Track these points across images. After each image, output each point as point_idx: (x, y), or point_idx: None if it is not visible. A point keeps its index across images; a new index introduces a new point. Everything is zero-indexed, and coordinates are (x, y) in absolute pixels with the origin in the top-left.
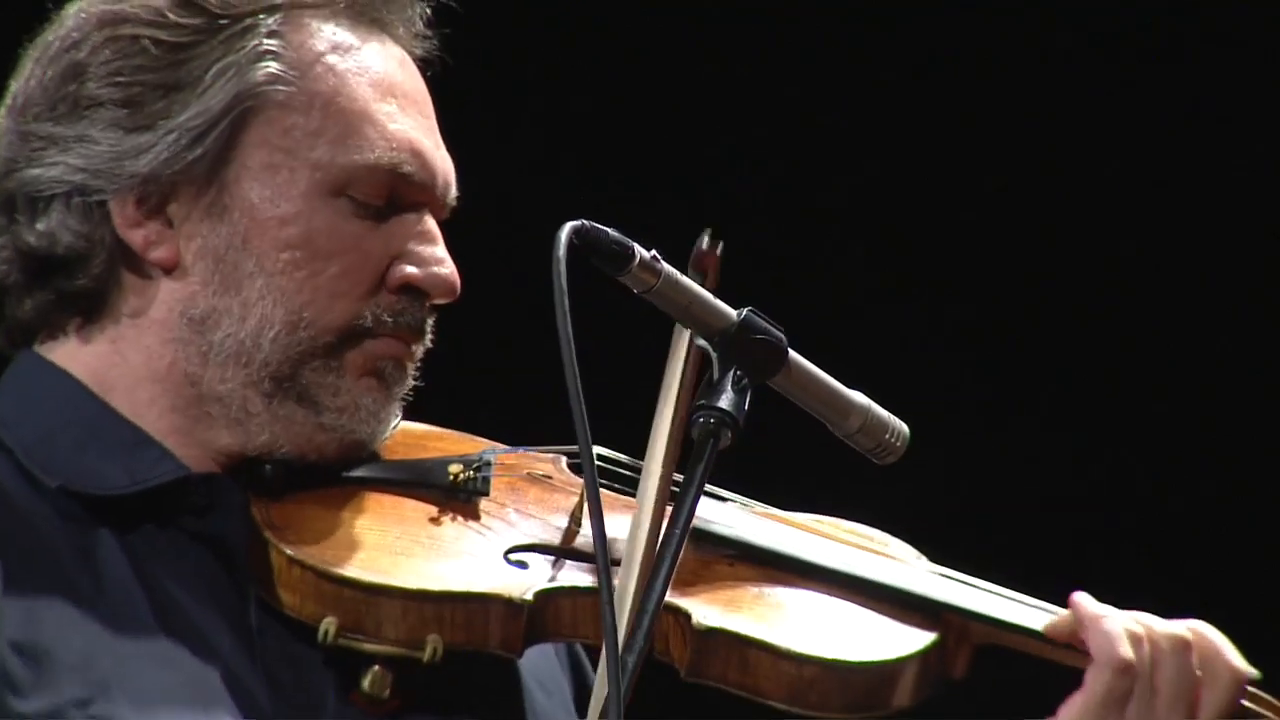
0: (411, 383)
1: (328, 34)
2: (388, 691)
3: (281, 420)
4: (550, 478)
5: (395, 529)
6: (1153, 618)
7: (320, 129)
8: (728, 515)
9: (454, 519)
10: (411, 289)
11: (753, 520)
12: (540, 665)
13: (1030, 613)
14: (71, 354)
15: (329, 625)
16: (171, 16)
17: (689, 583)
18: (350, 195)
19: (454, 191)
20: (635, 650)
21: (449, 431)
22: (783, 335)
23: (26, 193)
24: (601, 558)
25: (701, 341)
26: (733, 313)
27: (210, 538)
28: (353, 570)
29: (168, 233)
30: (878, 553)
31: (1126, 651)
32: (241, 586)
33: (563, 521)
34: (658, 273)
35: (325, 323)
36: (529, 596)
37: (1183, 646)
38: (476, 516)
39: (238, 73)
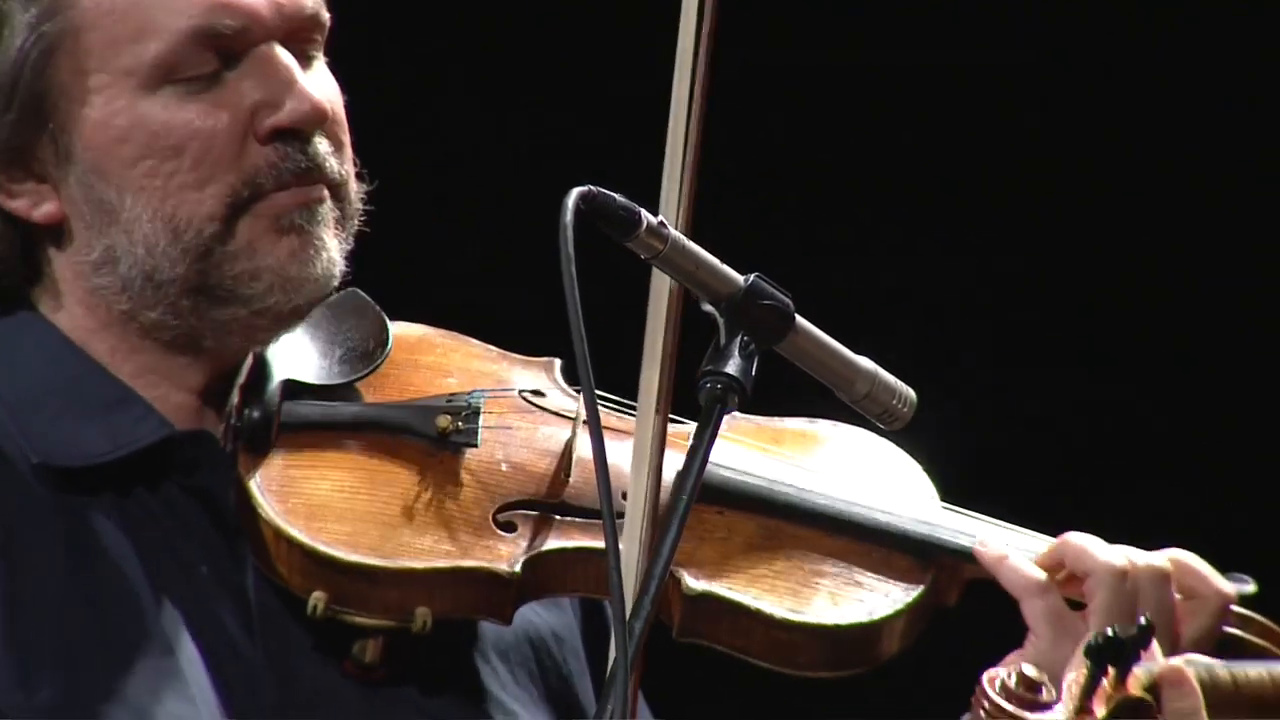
0: (351, 209)
1: None
2: (379, 659)
3: (219, 325)
4: (543, 395)
5: (382, 491)
6: (1132, 549)
7: (116, 35)
8: (716, 453)
9: (442, 475)
10: (283, 132)
11: (740, 453)
12: (546, 617)
13: (1021, 545)
14: (51, 312)
15: (318, 600)
16: None
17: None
18: (174, 80)
19: (301, 4)
20: (642, 616)
21: (446, 339)
22: (790, 300)
23: None
24: (610, 534)
25: (708, 306)
26: (740, 278)
27: (200, 493)
28: (339, 549)
29: (43, 188)
30: (871, 477)
31: (1120, 561)
32: (235, 546)
33: (553, 465)
34: (665, 238)
35: (202, 214)
36: (516, 569)
37: (1162, 578)
38: (465, 471)
39: (19, 26)
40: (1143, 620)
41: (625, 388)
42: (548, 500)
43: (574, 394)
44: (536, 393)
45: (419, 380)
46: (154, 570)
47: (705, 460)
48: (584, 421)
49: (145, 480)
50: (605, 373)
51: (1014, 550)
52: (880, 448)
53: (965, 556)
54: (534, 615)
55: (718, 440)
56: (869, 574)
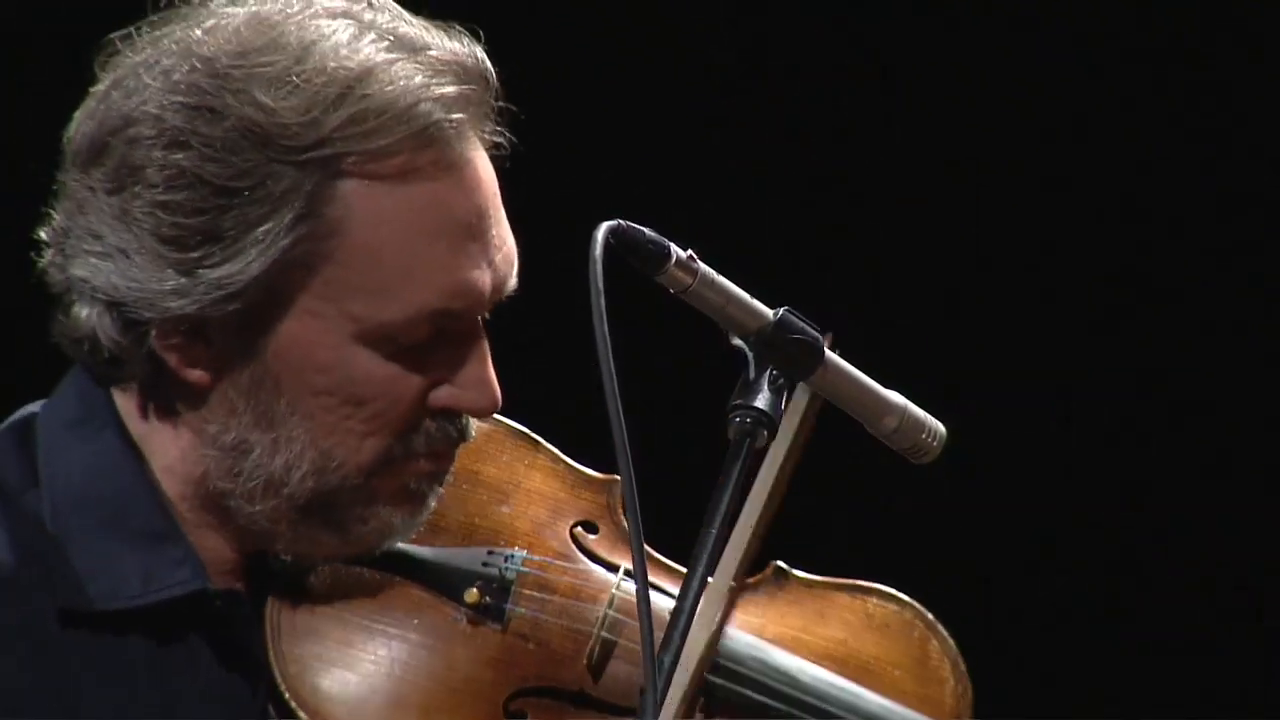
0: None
1: (375, 179)
2: None
3: (307, 540)
4: (596, 531)
5: (399, 662)
6: None
7: (361, 284)
8: (745, 648)
9: (462, 648)
10: (451, 411)
11: (764, 656)
12: None
13: None
14: (128, 413)
15: None
16: (224, 153)
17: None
18: (392, 342)
19: (510, 284)
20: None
21: (512, 443)
22: (819, 335)
23: (73, 286)
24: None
25: (737, 340)
26: (769, 312)
27: (226, 646)
28: None
29: (205, 356)
30: (904, 685)
31: None
32: (254, 689)
33: (583, 646)
34: (694, 272)
35: (354, 463)
36: None
37: None
38: (487, 647)
39: (279, 233)
40: None
41: (651, 407)
42: (567, 688)
43: (624, 534)
44: (589, 526)
45: (472, 508)
46: (163, 713)
47: (734, 496)
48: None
49: (173, 625)
50: (635, 396)
51: None
52: (926, 639)
53: None
54: None
55: (756, 621)
56: None
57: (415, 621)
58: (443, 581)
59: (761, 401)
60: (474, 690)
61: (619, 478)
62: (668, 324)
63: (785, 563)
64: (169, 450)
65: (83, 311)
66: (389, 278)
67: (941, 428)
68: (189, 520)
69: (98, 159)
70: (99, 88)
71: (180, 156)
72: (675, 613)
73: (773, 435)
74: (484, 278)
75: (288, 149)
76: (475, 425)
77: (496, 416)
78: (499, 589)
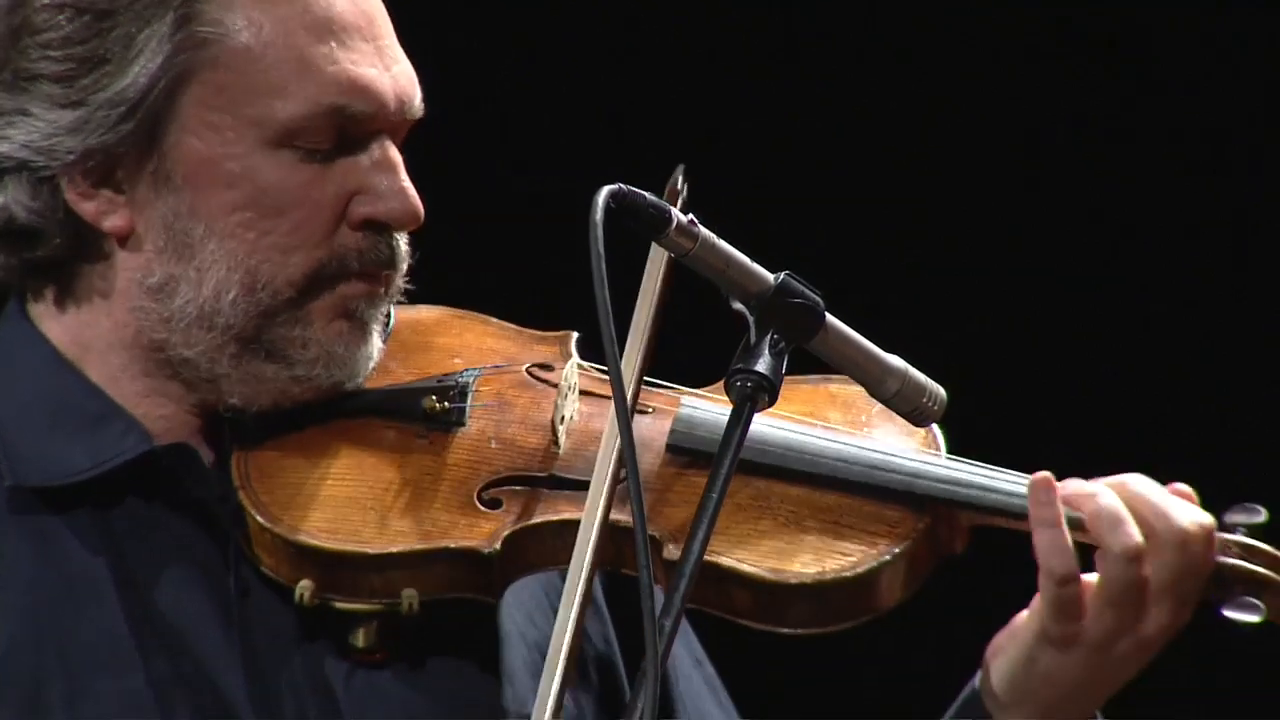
0: (391, 305)
1: None
2: (376, 643)
3: (252, 378)
4: (550, 368)
5: (368, 476)
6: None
7: (253, 84)
8: (701, 411)
9: (428, 456)
10: (374, 224)
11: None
12: (554, 583)
13: (1021, 493)
14: (49, 318)
15: (304, 589)
16: None
17: (663, 500)
18: (294, 146)
19: (415, 104)
20: (673, 614)
21: (462, 319)
22: (820, 299)
23: None
24: (641, 532)
25: (738, 304)
26: (770, 276)
27: (189, 504)
28: (321, 538)
29: (119, 200)
30: (860, 425)
31: (1136, 535)
32: (224, 549)
33: (545, 438)
34: (695, 237)
35: (283, 278)
36: (497, 546)
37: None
38: (452, 451)
39: (159, 42)
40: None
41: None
42: (537, 474)
43: (585, 366)
44: (544, 366)
45: (425, 362)
46: (132, 592)
47: (736, 458)
48: (578, 391)
49: (132, 496)
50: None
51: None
52: (844, 388)
53: (961, 505)
54: (545, 586)
55: (717, 403)
56: (858, 528)
57: (380, 442)
58: (398, 405)
59: (763, 365)
60: (447, 489)
61: (574, 332)
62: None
63: None
64: (100, 324)
65: None
66: (279, 75)
67: (942, 391)
68: (132, 392)
69: None
70: None
71: None
72: (675, 578)
73: (773, 399)
74: (382, 78)
75: None
76: (404, 242)
77: (443, 305)
78: (457, 394)
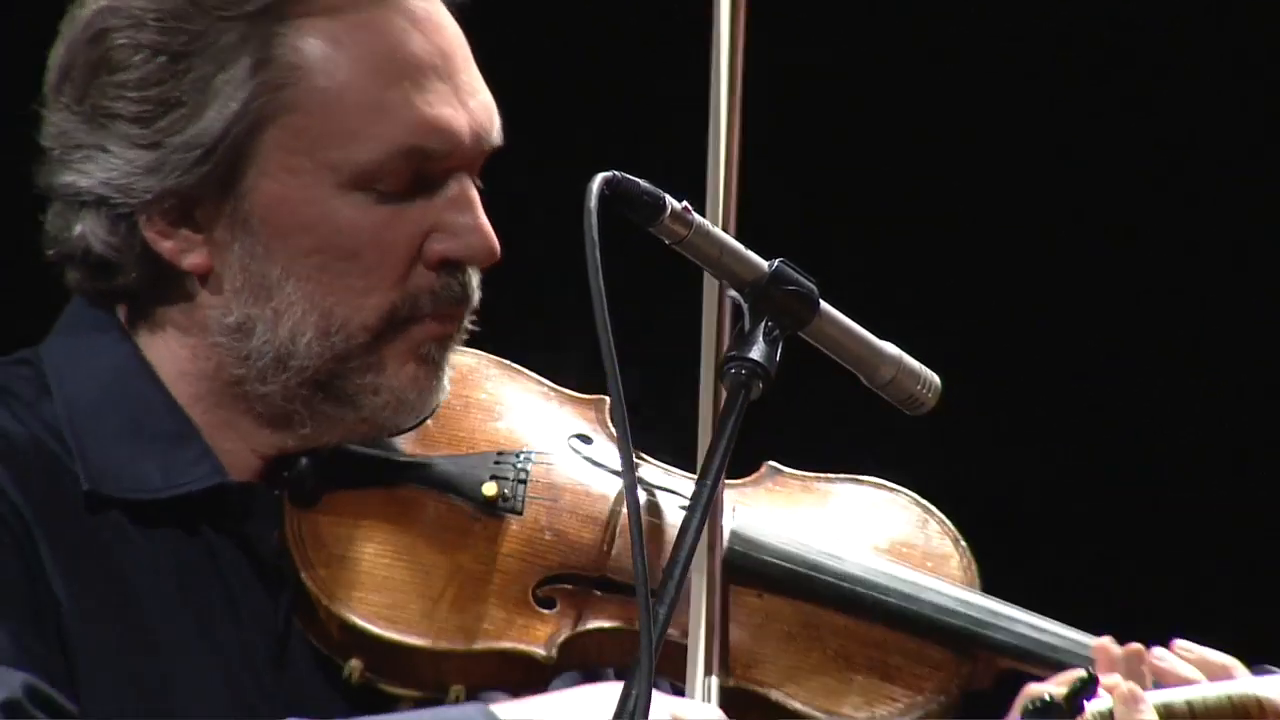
0: (462, 343)
1: (326, 24)
2: None
3: (323, 417)
4: (590, 441)
5: (424, 559)
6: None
7: (329, 129)
8: (765, 526)
9: (485, 544)
10: (449, 262)
11: (783, 528)
12: None
13: (1061, 645)
14: (135, 332)
15: (353, 668)
16: (176, 21)
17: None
18: (372, 187)
19: (493, 136)
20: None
21: (503, 374)
22: (814, 286)
23: (61, 195)
24: (642, 589)
25: (733, 292)
26: (764, 264)
27: (244, 541)
28: (378, 625)
29: (197, 239)
30: (916, 560)
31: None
32: (275, 593)
33: (597, 534)
34: (689, 224)
35: (358, 322)
36: (553, 653)
37: None
38: (509, 539)
39: (236, 86)
40: (1084, 673)
41: (654, 364)
42: (589, 574)
43: (645, 457)
44: (584, 438)
45: (469, 424)
46: (182, 616)
47: (729, 449)
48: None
49: (193, 521)
50: (631, 355)
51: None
52: (925, 520)
53: (1007, 654)
54: None
55: (766, 507)
56: (905, 670)
57: (437, 522)
58: (458, 482)
59: (756, 353)
60: (502, 582)
61: (606, 397)
62: (663, 276)
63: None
64: (179, 353)
65: (75, 226)
66: (356, 118)
67: (936, 379)
68: (206, 422)
69: (66, 76)
70: (63, 25)
71: (137, 33)
72: (670, 564)
73: (768, 387)
74: (458, 117)
75: (229, 2)
76: (476, 280)
77: (476, 351)
78: (516, 481)
